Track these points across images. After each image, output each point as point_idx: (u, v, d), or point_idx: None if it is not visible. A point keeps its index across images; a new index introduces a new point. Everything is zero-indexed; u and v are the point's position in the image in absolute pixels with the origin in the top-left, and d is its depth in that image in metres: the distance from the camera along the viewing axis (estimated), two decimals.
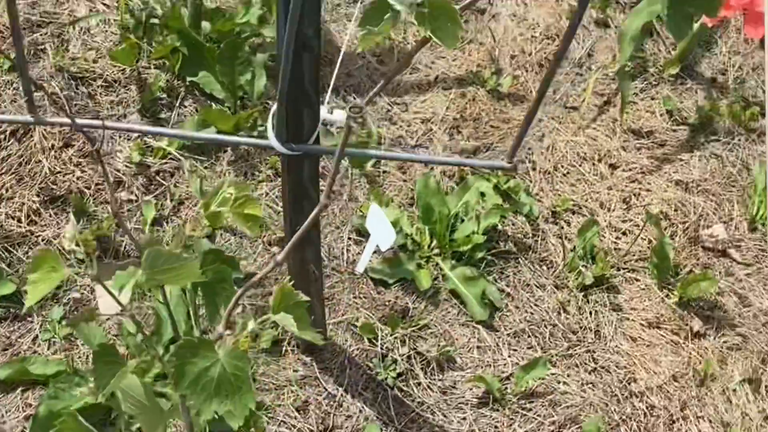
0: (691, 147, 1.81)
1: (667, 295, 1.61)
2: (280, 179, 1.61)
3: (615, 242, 1.68)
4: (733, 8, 1.10)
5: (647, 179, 1.76)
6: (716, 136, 1.83)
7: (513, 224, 1.68)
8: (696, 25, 1.77)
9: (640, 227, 1.67)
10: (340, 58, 0.81)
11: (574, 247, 1.65)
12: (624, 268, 1.65)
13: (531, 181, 1.74)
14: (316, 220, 1.03)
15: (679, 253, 1.67)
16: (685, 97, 1.88)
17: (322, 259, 1.57)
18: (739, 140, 1.82)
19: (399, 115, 1.80)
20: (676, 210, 1.72)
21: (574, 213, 1.72)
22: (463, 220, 1.65)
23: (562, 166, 1.77)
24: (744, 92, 1.88)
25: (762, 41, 1.37)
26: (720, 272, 1.65)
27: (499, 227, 1.67)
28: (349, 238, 1.62)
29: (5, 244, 1.52)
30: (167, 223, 1.59)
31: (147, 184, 1.63)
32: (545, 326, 1.56)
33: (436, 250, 1.61)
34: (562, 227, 1.69)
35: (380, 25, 0.77)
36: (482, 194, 1.69)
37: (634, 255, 1.66)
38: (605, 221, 1.70)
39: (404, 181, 1.71)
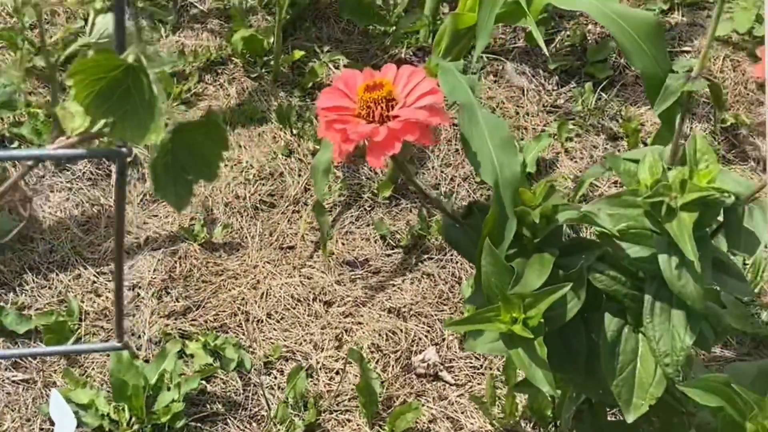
0: (404, 270, 1.81)
1: None
2: None
3: (328, 384, 1.65)
4: (353, 141, 1.09)
5: (360, 312, 1.75)
6: (428, 255, 1.83)
7: (224, 382, 1.64)
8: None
9: (351, 365, 1.65)
10: None
11: (286, 396, 1.61)
12: (337, 410, 1.62)
13: (244, 334, 1.71)
14: None
15: (392, 384, 1.64)
16: (398, 219, 1.89)
17: None
18: (451, 255, 1.82)
19: (105, 285, 1.76)
20: (387, 339, 1.70)
21: (287, 360, 1.68)
22: (170, 388, 1.61)
23: (276, 312, 1.75)
24: (455, 204, 1.89)
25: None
26: (433, 397, 1.63)
27: (209, 388, 1.62)
28: (42, 429, 1.56)
29: None
30: None
31: None
32: None
33: (136, 426, 1.56)
34: (276, 377, 1.66)
35: None
36: (191, 355, 1.66)
37: (346, 395, 1.63)
38: (318, 363, 1.67)
39: (108, 356, 1.66)
